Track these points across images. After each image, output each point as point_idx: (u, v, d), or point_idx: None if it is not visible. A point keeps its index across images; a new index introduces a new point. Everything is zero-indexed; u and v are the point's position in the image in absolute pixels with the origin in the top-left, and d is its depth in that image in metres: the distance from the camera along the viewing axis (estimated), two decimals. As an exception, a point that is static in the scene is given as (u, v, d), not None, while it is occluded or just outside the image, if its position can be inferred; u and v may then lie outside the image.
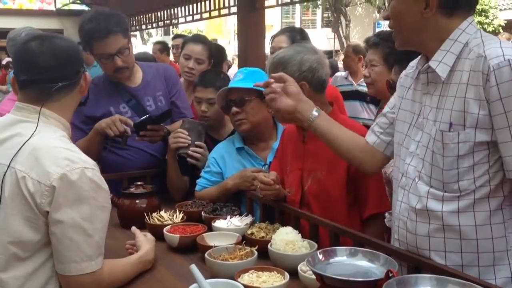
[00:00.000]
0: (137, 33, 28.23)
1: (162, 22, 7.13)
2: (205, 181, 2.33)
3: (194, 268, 1.44)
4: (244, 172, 2.19)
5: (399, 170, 1.55)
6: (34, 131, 1.40)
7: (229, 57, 9.00)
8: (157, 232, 1.96)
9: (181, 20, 6.56)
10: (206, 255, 1.64)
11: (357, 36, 20.39)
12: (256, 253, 1.67)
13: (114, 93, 2.54)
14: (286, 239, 1.71)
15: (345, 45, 12.52)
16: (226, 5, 5.49)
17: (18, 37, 2.88)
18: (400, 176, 1.54)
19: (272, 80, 1.67)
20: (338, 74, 4.78)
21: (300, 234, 1.77)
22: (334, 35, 20.90)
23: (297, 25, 24.49)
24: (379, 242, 1.62)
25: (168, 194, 2.49)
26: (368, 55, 2.45)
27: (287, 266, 1.60)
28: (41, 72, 1.44)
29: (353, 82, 4.67)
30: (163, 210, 2.14)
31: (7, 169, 1.36)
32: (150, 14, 7.25)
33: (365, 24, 22.21)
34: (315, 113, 1.66)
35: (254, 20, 5.03)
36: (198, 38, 3.24)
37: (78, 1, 8.75)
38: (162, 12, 6.93)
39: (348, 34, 20.40)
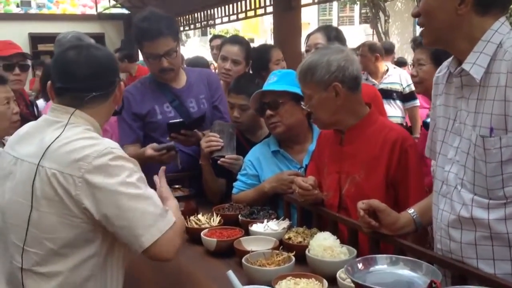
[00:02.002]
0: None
1: (199, 24, 7.21)
2: (242, 184, 2.33)
3: (231, 274, 1.43)
4: (281, 175, 2.17)
5: (437, 178, 1.49)
6: (63, 131, 1.42)
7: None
8: (194, 235, 1.97)
9: (218, 21, 6.61)
10: (243, 260, 1.63)
11: (397, 32, 19.94)
12: (293, 259, 1.65)
13: (159, 93, 2.59)
14: (324, 245, 1.68)
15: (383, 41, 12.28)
16: (262, 4, 5.48)
17: (64, 39, 2.97)
18: (440, 185, 1.48)
19: (363, 215, 1.64)
20: None
21: (338, 240, 1.73)
22: (373, 31, 20.51)
23: (334, 22, 24.22)
24: (422, 249, 1.57)
25: (206, 197, 2.50)
26: (416, 54, 2.40)
27: (326, 273, 1.57)
28: (76, 81, 1.47)
29: (375, 81, 4.57)
30: (201, 213, 2.14)
31: (37, 168, 1.38)
32: (187, 16, 7.35)
33: (404, 19, 21.70)
34: (418, 222, 1.65)
35: (290, 19, 5.00)
36: (235, 39, 3.23)
37: (119, 5, 8.94)
38: (199, 13, 7.00)
39: (387, 30, 19.97)
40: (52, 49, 7.69)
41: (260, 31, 25.65)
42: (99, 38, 7.88)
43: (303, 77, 1.87)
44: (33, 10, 10.11)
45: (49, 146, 1.38)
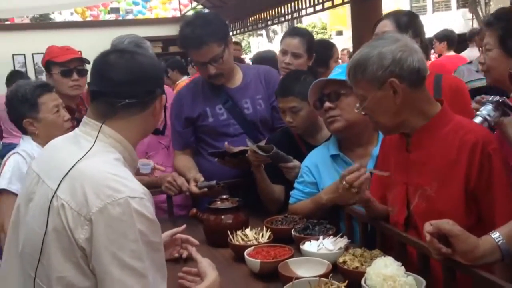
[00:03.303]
0: (263, 31, 28.74)
1: (283, 18, 6.98)
2: (299, 193, 2.08)
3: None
4: (338, 185, 1.88)
5: None
6: (85, 154, 1.26)
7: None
8: (239, 252, 1.76)
9: (301, 13, 6.35)
10: (284, 289, 1.39)
11: (500, 15, 18.20)
12: (344, 290, 1.37)
13: (212, 94, 2.44)
14: (384, 274, 1.38)
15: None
16: (340, -7, 5.14)
17: (121, 44, 2.89)
18: None
19: (431, 240, 1.34)
20: (463, 67, 3.74)
21: (403, 267, 1.42)
22: (472, 16, 19.02)
23: (429, 8, 22.82)
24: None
25: (262, 207, 2.27)
26: (485, 37, 1.98)
27: (384, 309, 1.29)
28: (111, 85, 1.32)
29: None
30: (249, 227, 1.93)
31: (54, 195, 1.23)
32: (273, 10, 7.14)
33: (507, 1, 19.84)
34: (504, 248, 1.32)
35: (369, 8, 4.59)
36: (295, 31, 2.99)
37: (201, 6, 9.01)
38: (282, 7, 6.78)
39: (488, 14, 18.36)
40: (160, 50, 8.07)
41: (348, 23, 24.87)
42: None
43: (353, 75, 1.58)
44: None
45: (67, 173, 1.23)
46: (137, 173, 2.27)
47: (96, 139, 1.31)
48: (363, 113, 1.61)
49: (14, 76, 5.07)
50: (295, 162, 2.14)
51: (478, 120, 1.66)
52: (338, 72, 1.98)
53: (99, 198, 1.17)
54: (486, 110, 1.67)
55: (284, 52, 2.85)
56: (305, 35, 2.88)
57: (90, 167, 1.24)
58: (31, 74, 7.74)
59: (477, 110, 1.69)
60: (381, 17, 2.29)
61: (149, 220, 1.21)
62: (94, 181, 1.20)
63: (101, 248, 1.16)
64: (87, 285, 1.20)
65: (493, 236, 1.33)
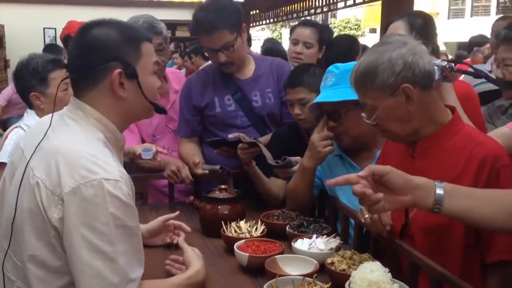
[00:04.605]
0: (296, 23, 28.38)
1: (317, 10, 6.82)
2: None
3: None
4: (311, 143, 1.91)
5: None
6: (48, 128, 1.26)
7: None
8: (231, 244, 1.74)
9: (325, 8, 6.24)
10: (265, 286, 1.37)
11: (541, 24, 17.59)
12: (326, 292, 1.34)
13: (221, 83, 2.42)
14: (368, 279, 1.34)
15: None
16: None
17: (135, 24, 2.88)
18: None
19: (361, 188, 1.22)
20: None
21: (389, 273, 1.38)
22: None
23: (467, 12, 22.23)
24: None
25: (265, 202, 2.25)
26: (500, 52, 1.90)
27: (366, 316, 1.26)
28: (68, 59, 1.36)
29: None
30: (245, 219, 1.91)
31: (26, 167, 1.23)
32: (307, 2, 7.00)
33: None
34: (439, 193, 1.24)
35: (401, 5, 4.47)
36: (307, 22, 2.99)
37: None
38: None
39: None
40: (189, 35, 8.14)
41: (383, 21, 24.43)
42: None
43: (361, 85, 1.51)
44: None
45: (38, 145, 1.22)
46: (139, 159, 2.28)
47: (53, 113, 1.31)
48: (373, 123, 1.53)
49: (50, 49, 5.08)
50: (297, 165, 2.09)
51: None
52: (332, 82, 1.90)
53: (72, 177, 1.16)
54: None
55: (295, 42, 2.83)
56: (317, 26, 2.88)
57: (68, 146, 1.22)
58: (61, 48, 7.87)
59: None
60: (393, 17, 2.19)
61: (124, 204, 1.19)
62: (69, 161, 1.19)
63: (72, 229, 1.15)
64: (58, 264, 1.20)
65: (435, 182, 1.26)
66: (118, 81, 1.28)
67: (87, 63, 1.27)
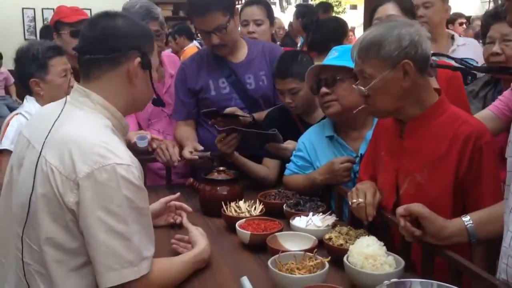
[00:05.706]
0: (277, 0, 28.15)
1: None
2: (293, 166, 2.15)
3: (245, 281, 1.27)
4: (332, 166, 1.94)
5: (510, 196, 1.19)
6: (58, 117, 1.31)
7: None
8: (232, 223, 1.83)
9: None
10: (269, 263, 1.46)
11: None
12: (327, 266, 1.44)
13: (216, 67, 2.47)
14: (365, 253, 1.45)
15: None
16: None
17: (132, 8, 2.88)
18: None
19: (404, 224, 1.44)
20: None
21: (384, 247, 1.49)
22: (489, -1, 18.62)
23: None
24: (484, 274, 1.28)
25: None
26: (496, 28, 2.00)
27: (364, 286, 1.37)
28: (82, 41, 1.37)
29: None
30: (243, 199, 2.00)
31: (39, 157, 1.28)
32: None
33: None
34: (468, 231, 1.40)
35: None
36: (252, 0, 2.98)
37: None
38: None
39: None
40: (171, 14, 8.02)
41: (363, -3, 24.39)
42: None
43: (365, 53, 1.58)
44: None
45: (49, 132, 1.28)
46: (134, 147, 2.31)
47: (65, 102, 1.36)
48: (366, 93, 1.60)
49: (48, 30, 4.97)
50: (289, 145, 2.18)
51: None
52: (335, 55, 1.99)
53: (86, 164, 1.22)
54: None
55: (245, 23, 2.87)
56: (262, 2, 2.91)
57: (79, 134, 1.28)
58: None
59: None
60: (380, 0, 2.28)
61: (136, 186, 1.26)
62: (82, 148, 1.24)
63: (88, 212, 1.22)
64: (75, 245, 1.27)
65: (463, 219, 1.41)
66: (137, 69, 1.36)
67: (112, 46, 1.33)
